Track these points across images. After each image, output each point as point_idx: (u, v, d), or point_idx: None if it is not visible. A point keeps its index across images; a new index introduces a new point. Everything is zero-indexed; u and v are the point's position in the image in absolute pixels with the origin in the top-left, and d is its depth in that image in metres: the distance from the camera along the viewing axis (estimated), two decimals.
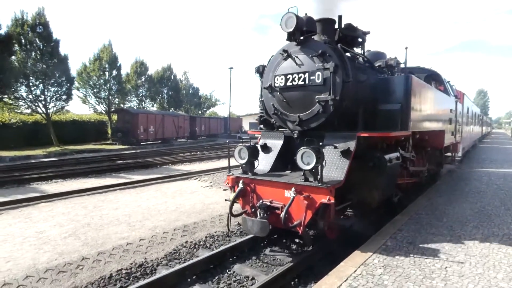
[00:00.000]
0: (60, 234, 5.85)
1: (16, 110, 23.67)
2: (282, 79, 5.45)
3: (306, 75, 5.18)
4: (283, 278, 4.25)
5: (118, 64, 30.32)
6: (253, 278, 4.36)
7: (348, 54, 5.43)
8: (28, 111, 23.56)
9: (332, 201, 4.17)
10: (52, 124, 23.78)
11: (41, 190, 9.58)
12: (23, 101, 22.83)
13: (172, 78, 43.45)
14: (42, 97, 22.92)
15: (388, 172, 5.03)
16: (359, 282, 3.60)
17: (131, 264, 4.82)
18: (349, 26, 5.87)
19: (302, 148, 4.38)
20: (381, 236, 4.98)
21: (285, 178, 4.84)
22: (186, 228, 6.21)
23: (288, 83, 5.37)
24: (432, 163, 8.89)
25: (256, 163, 5.28)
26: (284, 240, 5.52)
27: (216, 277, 4.46)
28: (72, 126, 27.25)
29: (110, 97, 30.10)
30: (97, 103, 29.92)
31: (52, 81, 23.18)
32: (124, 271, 4.58)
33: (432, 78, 9.39)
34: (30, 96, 22.71)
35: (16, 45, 21.21)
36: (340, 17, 5.74)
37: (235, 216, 5.14)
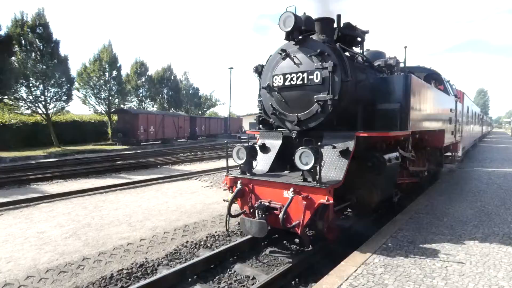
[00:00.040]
0: (60, 234, 5.86)
1: (16, 111, 23.65)
2: (280, 78, 5.42)
3: (305, 74, 5.15)
4: (283, 278, 4.25)
5: (118, 65, 30.30)
6: (253, 278, 4.36)
7: (347, 53, 5.40)
8: (28, 111, 23.55)
9: (331, 201, 4.15)
10: (52, 125, 23.77)
11: (42, 191, 9.58)
12: (23, 101, 22.80)
13: (172, 78, 43.41)
14: (42, 98, 22.91)
15: (387, 172, 5.01)
16: (359, 281, 3.60)
17: (132, 264, 4.83)
18: (348, 25, 5.85)
19: (300, 148, 4.36)
20: (381, 235, 4.99)
21: (284, 178, 4.81)
22: (187, 228, 6.22)
23: (287, 83, 5.34)
24: (432, 162, 8.89)
25: (254, 163, 5.25)
26: (284, 242, 5.52)
27: (217, 277, 4.46)
28: (72, 127, 27.23)
29: (110, 98, 30.07)
30: (97, 103, 29.92)
31: (52, 82, 23.15)
32: (125, 271, 4.58)
33: (432, 77, 9.38)
34: (30, 97, 22.69)
35: (16, 46, 21.20)
36: (339, 16, 5.72)
37: (234, 216, 5.12)
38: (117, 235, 5.77)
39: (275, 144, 5.68)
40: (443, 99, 8.39)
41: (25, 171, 13.01)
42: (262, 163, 5.47)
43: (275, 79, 5.49)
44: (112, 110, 30.02)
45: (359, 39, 6.13)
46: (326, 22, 5.65)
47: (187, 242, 5.66)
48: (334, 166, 4.67)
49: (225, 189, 5.42)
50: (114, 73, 30.02)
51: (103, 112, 30.33)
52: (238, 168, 5.24)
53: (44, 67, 22.45)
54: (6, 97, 20.76)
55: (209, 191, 9.43)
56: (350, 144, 4.74)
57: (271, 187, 4.75)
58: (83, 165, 15.20)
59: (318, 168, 4.21)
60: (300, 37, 5.21)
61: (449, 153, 11.04)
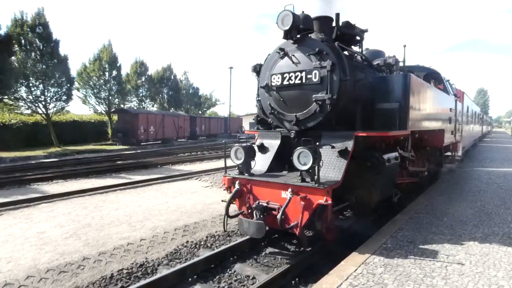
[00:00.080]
0: (61, 234, 5.86)
1: (16, 111, 23.66)
2: (278, 78, 5.38)
3: (303, 73, 5.11)
4: (283, 278, 4.26)
5: (118, 64, 30.31)
6: (253, 278, 4.37)
7: (345, 52, 5.36)
8: (28, 111, 23.56)
9: (329, 202, 4.11)
10: (52, 125, 23.78)
11: (42, 191, 9.59)
12: (23, 101, 22.81)
13: (172, 78, 43.42)
14: (42, 98, 22.91)
15: (386, 172, 4.98)
16: (359, 281, 3.61)
17: (132, 264, 4.83)
18: (347, 24, 5.81)
19: (298, 148, 4.33)
20: (381, 235, 4.99)
21: (282, 178, 4.77)
22: (187, 228, 6.22)
23: (285, 82, 5.30)
24: (432, 162, 8.88)
25: (252, 163, 5.22)
26: (284, 241, 5.52)
27: (217, 277, 4.46)
28: (72, 127, 27.24)
29: (110, 98, 30.08)
30: (97, 103, 29.92)
31: (52, 82, 23.15)
32: (125, 271, 4.59)
33: (432, 76, 9.37)
34: (30, 97, 22.70)
35: (16, 46, 21.20)
36: (337, 15, 5.68)
37: (232, 217, 5.09)
38: (117, 235, 5.77)
39: (273, 144, 5.64)
40: (443, 98, 8.38)
41: (25, 171, 13.02)
42: (261, 163, 5.43)
43: (274, 78, 5.45)
44: (112, 110, 30.03)
45: (358, 38, 6.09)
46: (324, 20, 5.61)
47: (187, 242, 5.66)
48: (332, 166, 4.64)
49: (224, 189, 5.41)
50: (114, 72, 30.03)
51: (103, 112, 30.34)
52: (236, 168, 5.20)
53: (44, 66, 22.45)
54: (6, 97, 20.76)
55: (209, 191, 9.43)
56: (349, 144, 4.71)
57: (269, 188, 4.72)
58: (83, 165, 15.21)
59: (316, 168, 4.18)
60: (298, 36, 5.17)
61: (449, 153, 11.04)
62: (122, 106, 31.90)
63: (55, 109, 24.05)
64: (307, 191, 4.26)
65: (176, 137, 32.30)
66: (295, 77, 5.19)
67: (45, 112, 23.14)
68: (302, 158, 4.30)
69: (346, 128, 5.17)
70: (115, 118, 29.81)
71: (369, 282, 3.58)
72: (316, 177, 4.19)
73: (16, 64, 21.16)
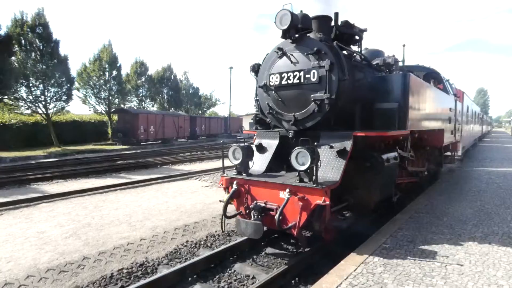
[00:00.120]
0: (61, 234, 5.87)
1: (16, 111, 23.68)
2: (277, 77, 5.35)
3: (301, 73, 5.08)
4: (283, 277, 4.26)
5: (118, 64, 30.34)
6: (253, 277, 4.37)
7: (344, 52, 5.33)
8: (28, 111, 23.57)
9: (328, 202, 4.06)
10: (52, 125, 23.80)
11: (42, 191, 9.59)
12: (23, 101, 22.84)
13: (172, 78, 43.45)
14: (42, 98, 22.93)
15: (385, 172, 4.95)
16: (359, 280, 3.61)
17: (132, 263, 4.84)
18: (346, 24, 5.77)
19: (296, 148, 4.30)
20: (381, 235, 4.99)
21: (280, 178, 4.73)
22: (187, 227, 6.23)
23: (283, 82, 5.27)
24: (431, 162, 8.88)
25: (250, 163, 5.17)
26: (282, 242, 5.52)
27: (217, 276, 4.47)
28: (72, 127, 27.26)
29: (110, 98, 30.11)
30: (97, 103, 29.97)
31: (52, 82, 23.18)
32: (125, 271, 4.60)
33: (431, 76, 9.36)
34: (30, 97, 22.72)
35: (16, 46, 21.22)
36: (336, 14, 5.65)
37: (229, 217, 5.05)
38: (117, 235, 5.78)
39: (272, 144, 5.61)
40: (443, 98, 8.37)
41: (25, 171, 13.03)
42: (259, 163, 5.40)
43: (272, 78, 5.42)
44: (112, 110, 30.06)
45: (357, 37, 6.06)
46: (323, 20, 5.58)
47: (187, 241, 5.67)
48: (331, 167, 4.60)
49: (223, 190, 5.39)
50: (114, 72, 30.06)
51: (103, 112, 30.36)
52: (234, 168, 5.17)
53: (44, 67, 22.48)
54: (6, 97, 20.78)
55: (209, 190, 9.44)
56: (348, 144, 4.67)
57: (267, 188, 4.68)
58: (83, 165, 15.21)
59: (314, 168, 4.14)
60: (296, 35, 5.13)
61: (448, 153, 11.04)
62: (122, 106, 31.93)
63: (55, 109, 24.08)
64: (305, 192, 4.22)
65: (176, 137, 32.32)
66: (294, 77, 5.16)
67: (45, 112, 23.16)
68: (300, 158, 4.27)
69: (345, 128, 5.14)
70: (115, 118, 29.83)
71: (368, 281, 3.59)
72: (314, 177, 4.16)
73: (16, 64, 21.18)
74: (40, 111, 23.20)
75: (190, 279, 4.37)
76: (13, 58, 20.52)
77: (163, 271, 4.47)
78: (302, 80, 5.09)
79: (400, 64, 6.38)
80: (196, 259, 4.73)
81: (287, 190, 4.32)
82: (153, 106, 40.63)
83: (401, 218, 5.84)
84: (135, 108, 35.37)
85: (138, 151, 22.73)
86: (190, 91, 48.61)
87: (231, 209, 5.20)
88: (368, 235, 4.98)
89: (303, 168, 4.24)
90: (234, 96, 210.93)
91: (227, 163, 5.21)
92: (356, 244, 4.60)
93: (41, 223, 6.50)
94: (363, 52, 6.38)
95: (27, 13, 22.66)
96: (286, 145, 5.39)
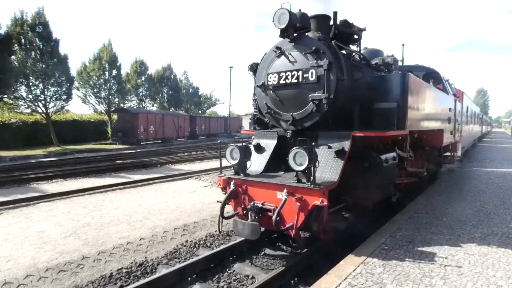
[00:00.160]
0: (60, 233, 5.86)
1: (16, 110, 23.71)
2: (275, 77, 5.30)
3: (300, 72, 5.04)
4: (283, 277, 4.26)
5: (118, 64, 30.35)
6: (253, 277, 4.37)
7: (343, 51, 5.29)
8: (28, 110, 23.59)
9: (325, 203, 4.03)
10: (52, 124, 23.80)
11: (41, 190, 9.59)
12: (23, 100, 22.86)
13: (172, 77, 43.46)
14: (42, 97, 22.94)
15: (384, 172, 4.91)
16: (358, 280, 3.61)
17: (132, 263, 4.84)
18: (345, 23, 5.75)
19: (294, 148, 4.26)
20: (380, 235, 5.00)
21: (278, 179, 4.68)
22: (187, 227, 6.23)
23: (281, 81, 5.23)
24: (431, 162, 8.88)
25: (248, 163, 5.13)
26: (281, 242, 5.52)
27: (216, 276, 4.47)
28: (72, 126, 27.26)
29: (110, 97, 30.12)
30: (97, 102, 29.98)
31: (52, 81, 23.19)
32: (124, 270, 4.60)
33: (431, 76, 9.35)
34: (30, 96, 22.74)
35: (16, 45, 21.20)
36: (335, 14, 5.62)
37: (226, 218, 5.02)
38: (117, 234, 5.78)
39: (270, 144, 5.57)
40: (442, 98, 8.37)
41: (25, 170, 13.02)
42: (257, 163, 5.36)
43: (270, 77, 5.38)
44: (112, 109, 30.07)
45: (356, 36, 6.03)
46: (322, 19, 5.54)
47: (186, 241, 5.67)
48: (329, 167, 4.56)
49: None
50: (114, 72, 30.07)
51: (103, 111, 30.37)
52: (232, 168, 5.14)
53: (44, 66, 22.48)
54: (6, 96, 20.78)
55: (208, 190, 9.44)
56: (346, 144, 4.63)
57: (264, 188, 4.63)
58: (82, 164, 15.21)
59: (312, 168, 4.11)
60: (295, 34, 5.09)
61: (448, 153, 11.05)
62: (122, 105, 31.92)
63: (55, 108, 24.09)
64: (302, 192, 4.18)
65: (176, 136, 32.32)
66: (292, 76, 5.12)
67: (45, 111, 23.17)
68: (298, 159, 4.23)
69: (343, 128, 5.10)
70: (115, 118, 29.83)
71: (368, 282, 3.59)
72: (312, 178, 4.12)
73: (16, 63, 21.19)
74: (40, 110, 23.22)
75: (189, 279, 4.37)
76: (13, 57, 20.51)
77: (162, 270, 4.47)
78: (300, 80, 5.05)
79: (400, 63, 6.34)
80: (195, 259, 4.73)
81: (285, 190, 4.28)
82: (153, 105, 40.65)
83: (400, 218, 5.85)
84: (135, 107, 35.38)
85: (138, 150, 22.72)
86: (190, 91, 48.62)
87: (229, 209, 5.18)
88: (367, 235, 4.98)
89: (301, 168, 4.21)
90: (234, 96, 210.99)
91: (225, 163, 5.20)
92: (356, 244, 4.60)
93: (40, 223, 6.50)
94: (362, 51, 6.36)
95: (27, 12, 22.71)
96: (284, 145, 5.35)
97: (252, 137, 6.02)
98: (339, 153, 4.60)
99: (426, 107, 6.61)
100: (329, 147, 4.73)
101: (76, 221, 6.57)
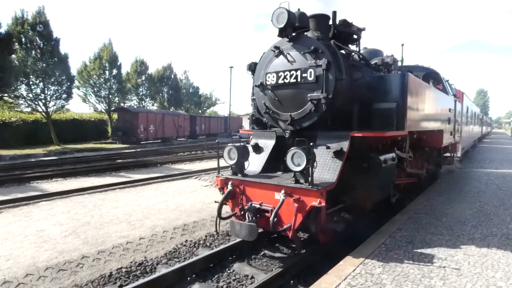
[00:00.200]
0: (60, 232, 5.87)
1: (16, 109, 23.70)
2: (273, 76, 5.27)
3: (298, 72, 5.00)
4: (282, 277, 4.26)
5: (118, 63, 30.33)
6: (252, 277, 4.37)
7: (342, 51, 5.26)
8: (28, 109, 23.63)
9: (323, 204, 3.99)
10: (52, 123, 23.80)
11: (41, 189, 9.60)
12: (23, 99, 22.86)
13: (172, 77, 43.45)
14: (42, 96, 22.94)
15: (383, 173, 4.89)
16: (358, 281, 3.62)
17: (131, 262, 4.84)
18: (344, 23, 5.73)
19: (292, 148, 4.23)
20: (380, 235, 5.00)
21: (276, 179, 4.64)
22: (186, 227, 6.23)
23: (280, 81, 5.19)
24: (430, 163, 8.87)
25: (246, 163, 5.06)
26: (281, 242, 5.52)
27: (216, 276, 4.47)
28: (72, 125, 27.27)
29: (110, 96, 30.09)
30: (97, 102, 29.96)
31: (52, 80, 23.19)
32: (124, 270, 4.60)
33: (431, 76, 9.35)
34: (30, 95, 22.75)
35: (16, 44, 21.21)
36: (334, 13, 5.60)
37: (224, 219, 4.99)
38: (117, 234, 5.78)
39: (268, 144, 5.53)
40: (442, 98, 8.36)
41: (25, 169, 13.02)
42: (255, 163, 5.32)
43: (268, 77, 5.35)
44: (112, 108, 30.05)
45: (355, 36, 6.01)
46: (321, 18, 5.51)
47: (186, 241, 5.67)
48: (327, 167, 4.53)
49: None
50: (114, 71, 30.05)
51: (103, 110, 30.36)
52: (230, 168, 5.10)
53: (44, 65, 22.48)
54: (6, 95, 20.78)
55: (208, 190, 9.44)
56: (345, 145, 4.60)
57: (262, 189, 4.59)
58: (83, 163, 15.21)
59: (310, 169, 4.05)
60: (293, 34, 5.06)
61: (448, 154, 11.05)
62: (122, 104, 31.92)
63: (55, 107, 24.10)
64: (300, 193, 4.14)
65: (176, 136, 32.32)
66: (290, 76, 5.09)
67: (45, 110, 23.18)
68: (295, 159, 4.20)
69: (342, 128, 5.06)
70: (115, 117, 29.82)
71: (367, 282, 3.59)
72: (310, 178, 4.08)
73: (17, 62, 21.19)
74: (40, 109, 23.22)
75: (189, 278, 4.37)
76: (13, 56, 20.50)
77: (162, 270, 4.47)
78: (299, 79, 5.02)
79: (399, 64, 6.33)
80: (195, 258, 4.73)
81: (282, 191, 4.24)
82: (153, 105, 40.64)
83: (400, 218, 5.85)
84: (135, 107, 35.37)
85: (138, 150, 22.74)
86: (190, 90, 48.61)
87: (227, 210, 5.17)
88: (367, 235, 4.97)
89: (299, 169, 4.18)
90: (234, 96, 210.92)
91: (223, 163, 5.17)
92: (355, 244, 4.60)
93: (40, 222, 6.50)
94: (361, 51, 6.33)
95: (28, 11, 22.77)
96: (283, 145, 5.31)
97: (251, 137, 5.98)
98: (338, 154, 4.57)
99: (426, 108, 6.59)
100: (328, 148, 4.70)
101: (76, 220, 6.57)
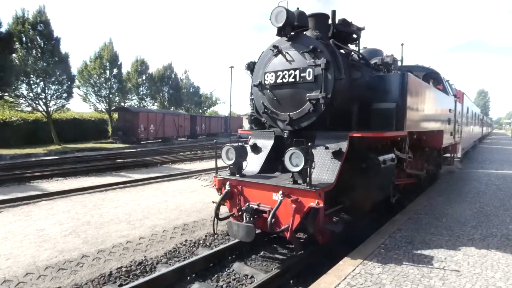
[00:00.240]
0: (60, 232, 5.87)
1: (16, 108, 23.72)
2: (272, 76, 5.23)
3: (297, 72, 4.95)
4: (282, 277, 4.27)
5: (118, 63, 30.32)
6: (252, 277, 4.38)
7: (341, 50, 5.23)
8: (29, 109, 23.64)
9: (321, 205, 3.95)
10: (53, 122, 23.81)
11: (42, 188, 9.60)
12: (24, 99, 22.86)
13: (173, 77, 43.46)
14: (43, 95, 22.94)
15: (382, 173, 4.85)
16: (357, 281, 3.62)
17: (131, 262, 4.84)
18: (343, 22, 5.70)
19: (290, 148, 4.20)
20: (380, 235, 5.00)
21: (274, 180, 4.60)
22: (186, 226, 6.24)
23: (279, 81, 5.14)
24: (430, 164, 8.86)
25: (244, 164, 5.03)
26: (281, 242, 5.52)
27: (216, 276, 4.48)
28: (73, 125, 27.28)
29: (110, 96, 30.09)
30: (98, 101, 29.96)
31: (52, 79, 23.19)
32: (124, 269, 4.60)
33: (431, 76, 9.33)
34: (31, 94, 22.73)
35: (17, 43, 21.22)
36: (333, 12, 5.57)
37: (222, 219, 4.97)
38: (117, 233, 5.79)
39: (266, 144, 5.50)
40: (442, 99, 8.34)
41: (25, 169, 13.04)
42: (253, 163, 5.29)
43: (267, 76, 5.31)
44: (113, 108, 30.06)
45: (354, 36, 5.98)
46: (320, 18, 5.48)
47: (186, 240, 5.68)
48: (326, 168, 4.50)
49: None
50: (115, 71, 30.05)
51: (103, 110, 30.36)
52: (228, 169, 5.07)
53: (44, 64, 22.48)
54: (6, 94, 20.79)
55: (208, 190, 9.44)
56: (343, 145, 4.56)
57: (260, 189, 4.55)
58: (83, 163, 15.22)
59: (308, 170, 4.02)
60: (292, 33, 5.02)
61: (448, 154, 11.04)
62: (122, 104, 31.92)
63: (55, 106, 24.09)
64: (298, 194, 4.10)
65: (176, 136, 32.32)
66: (289, 75, 5.05)
67: (45, 110, 23.18)
68: (294, 159, 4.16)
69: (341, 128, 5.02)
70: (116, 116, 29.83)
71: (367, 282, 3.59)
72: (308, 179, 4.06)
73: (17, 61, 21.20)
74: (41, 109, 23.22)
75: (188, 278, 4.38)
76: (14, 55, 20.51)
77: (161, 270, 4.47)
78: (297, 79, 4.98)
79: (399, 63, 6.30)
80: (195, 258, 4.74)
81: (280, 192, 4.21)
82: (153, 104, 40.67)
83: (400, 219, 5.85)
84: (136, 106, 35.38)
85: (138, 149, 22.76)
86: (191, 90, 48.62)
87: (226, 210, 5.16)
88: (367, 235, 4.97)
89: (297, 169, 4.14)
90: (235, 96, 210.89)
91: (221, 163, 5.15)
92: (355, 244, 4.61)
93: (40, 221, 6.51)
94: (361, 51, 6.30)
95: (28, 10, 22.75)
96: (281, 145, 5.27)
97: (249, 137, 5.94)
98: (336, 154, 4.54)
99: (426, 108, 6.57)
100: (326, 148, 4.67)
101: (76, 219, 6.58)
